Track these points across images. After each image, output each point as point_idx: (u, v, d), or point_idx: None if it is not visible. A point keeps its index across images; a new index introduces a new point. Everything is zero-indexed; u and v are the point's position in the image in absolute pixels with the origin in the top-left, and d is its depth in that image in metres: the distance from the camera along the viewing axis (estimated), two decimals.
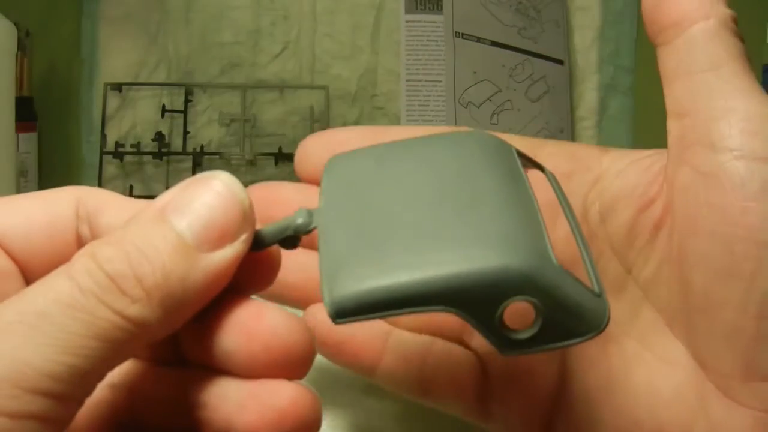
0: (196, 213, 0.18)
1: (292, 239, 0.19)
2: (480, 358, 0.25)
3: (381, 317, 0.18)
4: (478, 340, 0.25)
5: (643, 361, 0.23)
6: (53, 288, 0.16)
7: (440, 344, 0.25)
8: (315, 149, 0.26)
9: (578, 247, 0.21)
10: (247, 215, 0.18)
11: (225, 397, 0.18)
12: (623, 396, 0.23)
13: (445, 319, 0.25)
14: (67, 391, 0.15)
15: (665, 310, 0.23)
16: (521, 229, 0.18)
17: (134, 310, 0.16)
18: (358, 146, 0.22)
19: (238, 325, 0.18)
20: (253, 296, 0.19)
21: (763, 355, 0.20)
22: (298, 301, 0.27)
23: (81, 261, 0.16)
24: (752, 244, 0.20)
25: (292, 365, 0.18)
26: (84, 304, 0.16)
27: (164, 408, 0.19)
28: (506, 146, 0.22)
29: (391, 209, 0.19)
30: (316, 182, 0.25)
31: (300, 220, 0.19)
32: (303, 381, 0.18)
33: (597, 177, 0.25)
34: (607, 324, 0.18)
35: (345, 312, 0.17)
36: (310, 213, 0.19)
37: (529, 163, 0.23)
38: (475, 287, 0.17)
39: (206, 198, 0.18)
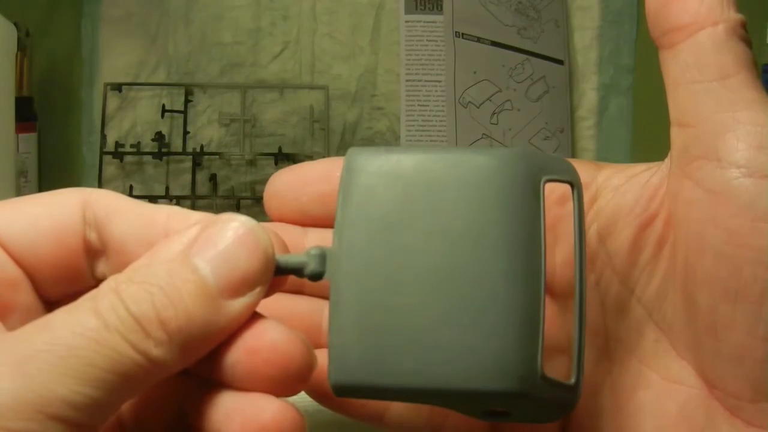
0: (221, 259, 0.18)
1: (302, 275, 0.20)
2: None
3: (378, 399, 0.20)
4: None
5: (648, 381, 0.23)
6: (80, 321, 0.17)
7: None
8: (285, 186, 0.25)
9: (574, 317, 0.21)
10: (269, 263, 0.19)
11: (216, 406, 0.18)
12: (629, 417, 0.23)
13: None
14: (84, 419, 0.16)
15: (670, 329, 0.23)
16: (518, 336, 0.19)
17: (157, 353, 0.17)
18: (330, 181, 0.22)
19: (241, 338, 0.18)
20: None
21: None
22: None
23: (107, 298, 0.17)
24: (761, 265, 0.20)
25: (289, 380, 0.18)
26: (110, 342, 0.16)
27: (164, 413, 0.20)
28: (533, 181, 0.21)
29: (402, 283, 0.20)
30: (287, 221, 0.24)
31: (313, 266, 0.20)
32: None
33: (594, 196, 0.24)
34: (571, 410, 0.20)
35: (346, 393, 0.20)
36: (323, 258, 0.20)
37: (559, 181, 0.22)
38: (463, 399, 0.20)
39: (231, 244, 0.18)
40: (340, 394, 0.19)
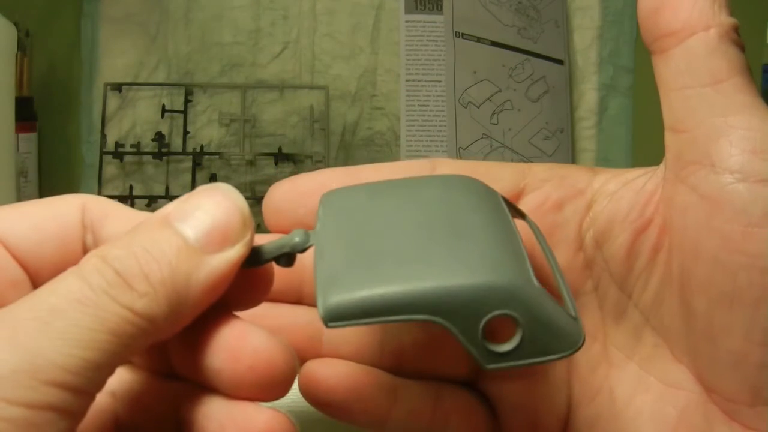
0: (199, 218, 0.19)
1: (288, 257, 0.20)
2: (489, 399, 0.24)
3: (371, 323, 0.18)
4: (486, 382, 0.25)
5: (647, 385, 0.23)
6: (64, 285, 0.17)
7: (448, 390, 0.24)
8: (284, 198, 0.25)
9: (555, 278, 0.21)
10: (247, 221, 0.19)
11: (209, 416, 0.19)
12: (629, 422, 0.23)
13: (453, 360, 0.24)
14: (81, 383, 0.16)
15: (667, 334, 0.23)
16: (504, 255, 0.20)
17: (142, 305, 0.17)
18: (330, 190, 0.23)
19: (225, 344, 0.19)
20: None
21: None
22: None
23: (90, 261, 0.17)
24: (756, 271, 0.19)
25: (274, 385, 0.19)
26: (94, 300, 0.16)
27: (159, 421, 0.20)
28: (491, 191, 0.23)
29: (383, 234, 0.20)
30: (285, 231, 0.24)
31: (297, 239, 0.20)
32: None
33: (589, 202, 0.24)
34: (582, 344, 0.19)
35: (338, 316, 0.18)
36: (306, 233, 0.20)
37: (513, 210, 0.23)
38: (460, 299, 0.18)
39: (208, 205, 0.19)
40: (331, 321, 0.18)
